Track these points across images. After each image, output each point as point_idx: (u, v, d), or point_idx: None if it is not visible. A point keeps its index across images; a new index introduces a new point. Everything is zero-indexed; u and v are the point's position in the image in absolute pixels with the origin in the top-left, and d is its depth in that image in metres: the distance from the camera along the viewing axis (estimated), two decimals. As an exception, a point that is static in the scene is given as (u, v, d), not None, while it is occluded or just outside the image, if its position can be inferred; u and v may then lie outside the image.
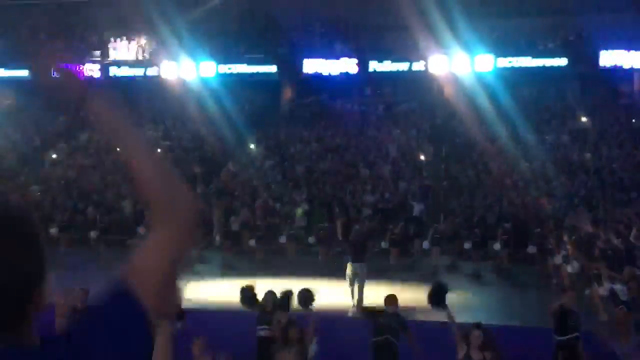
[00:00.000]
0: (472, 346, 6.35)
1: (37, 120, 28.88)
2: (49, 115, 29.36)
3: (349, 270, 13.02)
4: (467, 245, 17.77)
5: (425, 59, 26.01)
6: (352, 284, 13.02)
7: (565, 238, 15.68)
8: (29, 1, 28.84)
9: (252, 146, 26.02)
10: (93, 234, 19.07)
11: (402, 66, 26.77)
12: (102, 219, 20.33)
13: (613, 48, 25.04)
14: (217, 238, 18.76)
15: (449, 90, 27.32)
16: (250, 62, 28.33)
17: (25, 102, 29.15)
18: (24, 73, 30.20)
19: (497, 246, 17.51)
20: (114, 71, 29.25)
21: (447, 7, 24.59)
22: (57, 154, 26.41)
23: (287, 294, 7.52)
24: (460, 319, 7.43)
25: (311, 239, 19.12)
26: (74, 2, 29.58)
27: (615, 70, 25.18)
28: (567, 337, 7.54)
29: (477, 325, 6.68)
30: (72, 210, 21.52)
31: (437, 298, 7.04)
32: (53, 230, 19.46)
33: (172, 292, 1.27)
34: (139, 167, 1.30)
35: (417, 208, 20.49)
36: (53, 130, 28.65)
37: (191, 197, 1.32)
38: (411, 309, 10.88)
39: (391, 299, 7.81)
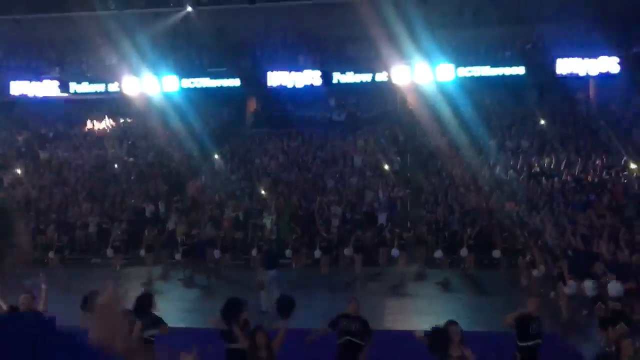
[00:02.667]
0: (452, 342, 6.35)
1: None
2: (7, 133, 28.72)
3: (263, 277, 13.71)
4: (437, 255, 17.93)
5: (387, 69, 26.32)
6: (266, 290, 13.63)
7: (532, 243, 15.98)
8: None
9: (217, 158, 25.86)
10: (51, 254, 18.62)
11: (366, 77, 27.04)
12: (61, 239, 19.82)
13: (568, 56, 25.77)
14: (177, 255, 18.46)
15: (411, 100, 27.73)
16: (213, 75, 28.22)
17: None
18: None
19: (463, 252, 17.72)
20: (74, 87, 28.75)
21: (408, 19, 24.98)
22: (17, 173, 25.76)
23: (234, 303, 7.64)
24: (428, 326, 7.47)
25: (288, 252, 18.89)
26: (32, 18, 29.07)
27: (572, 78, 25.89)
28: (528, 343, 7.60)
29: (453, 322, 6.70)
30: (32, 230, 20.99)
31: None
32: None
33: None
34: None
35: (382, 217, 20.64)
36: (13, 148, 27.96)
37: None
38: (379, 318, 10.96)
39: (352, 303, 8.14)
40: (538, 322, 7.71)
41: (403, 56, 25.82)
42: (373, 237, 19.06)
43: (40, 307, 7.83)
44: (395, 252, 18.02)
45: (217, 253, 18.87)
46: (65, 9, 27.12)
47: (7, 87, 28.86)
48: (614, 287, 10.16)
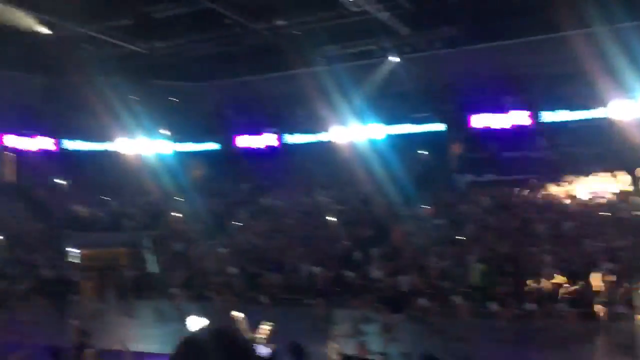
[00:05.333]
0: None
1: (222, 188, 31.62)
2: (231, 183, 32.01)
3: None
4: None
5: (606, 105, 24.07)
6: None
7: None
8: (218, 80, 32.06)
9: (420, 206, 25.82)
10: (263, 298, 19.98)
11: (580, 115, 25.07)
12: (275, 281, 21.16)
13: None
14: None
15: (634, 137, 24.89)
16: (417, 121, 28.61)
17: (213, 172, 32.23)
18: (212, 146, 33.74)
19: None
20: (289, 139, 31.33)
21: (632, 49, 22.63)
22: (240, 219, 28.48)
23: None
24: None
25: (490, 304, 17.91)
26: (255, 79, 32.05)
27: None
28: None
29: None
30: (253, 274, 22.87)
31: None
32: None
33: None
34: None
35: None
36: (237, 196, 31.06)
37: None
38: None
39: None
40: None
41: (625, 90, 23.41)
42: (590, 291, 17.26)
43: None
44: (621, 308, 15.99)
45: (422, 301, 18.64)
46: (285, 68, 29.56)
47: (233, 141, 32.53)
48: None
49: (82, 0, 21.48)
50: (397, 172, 26.85)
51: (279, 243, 25.48)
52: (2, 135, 29.89)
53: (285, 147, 31.84)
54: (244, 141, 32.72)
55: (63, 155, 31.69)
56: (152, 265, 26.34)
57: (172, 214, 29.31)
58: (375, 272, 21.00)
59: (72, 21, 23.69)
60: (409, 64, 28.65)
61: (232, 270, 23.31)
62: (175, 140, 33.45)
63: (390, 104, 29.74)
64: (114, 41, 26.07)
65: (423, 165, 29.18)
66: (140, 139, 31.85)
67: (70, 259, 25.84)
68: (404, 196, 26.33)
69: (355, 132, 28.88)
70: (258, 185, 32.04)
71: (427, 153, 29.55)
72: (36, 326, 16.46)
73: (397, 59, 28.05)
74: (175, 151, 33.12)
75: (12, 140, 30.40)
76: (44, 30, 23.91)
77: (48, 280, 21.26)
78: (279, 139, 31.97)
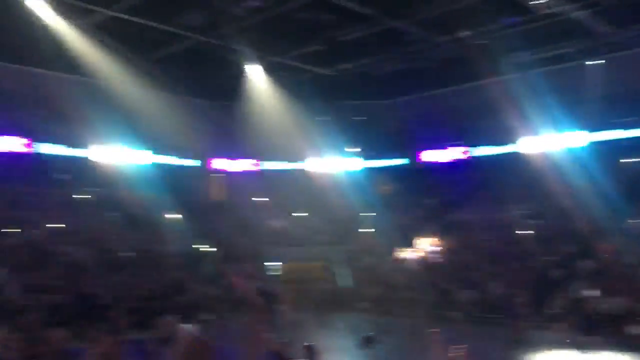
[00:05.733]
0: None
1: (410, 203, 31.66)
2: (418, 198, 31.86)
3: None
4: None
5: None
6: None
7: None
8: (403, 96, 32.25)
9: (630, 220, 23.23)
10: (454, 316, 19.54)
11: None
12: (466, 299, 20.65)
13: None
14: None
15: None
16: (624, 126, 25.98)
17: (401, 187, 32.40)
18: (400, 161, 34.09)
19: None
20: (476, 151, 30.60)
21: None
22: (428, 235, 28.22)
23: None
24: None
25: None
26: (443, 92, 31.43)
27: None
28: None
29: None
30: (442, 290, 22.54)
31: None
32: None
33: None
34: None
35: None
36: (425, 211, 30.85)
37: None
38: None
39: None
40: None
41: None
42: None
43: None
44: None
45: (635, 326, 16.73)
46: (470, 79, 28.69)
47: (418, 155, 32.62)
48: None
49: (278, 32, 23.51)
50: (601, 182, 24.50)
51: (469, 259, 24.76)
52: (210, 160, 33.52)
53: (472, 160, 31.04)
54: (429, 156, 32.62)
55: (262, 175, 34.52)
56: (344, 280, 27.21)
57: (362, 229, 30.04)
58: (578, 292, 19.36)
59: (270, 52, 25.82)
60: (611, 65, 26.11)
61: (423, 286, 23.22)
62: (365, 157, 34.39)
63: (592, 109, 27.29)
64: (305, 67, 27.73)
65: (632, 174, 26.25)
66: (330, 157, 33.36)
67: (271, 272, 27.72)
68: (610, 209, 23.92)
69: (550, 141, 27.03)
70: (446, 199, 31.51)
71: (637, 160, 26.55)
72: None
73: (598, 60, 25.72)
74: (364, 168, 34.03)
75: (219, 164, 33.97)
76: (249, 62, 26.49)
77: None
78: (466, 152, 31.29)
